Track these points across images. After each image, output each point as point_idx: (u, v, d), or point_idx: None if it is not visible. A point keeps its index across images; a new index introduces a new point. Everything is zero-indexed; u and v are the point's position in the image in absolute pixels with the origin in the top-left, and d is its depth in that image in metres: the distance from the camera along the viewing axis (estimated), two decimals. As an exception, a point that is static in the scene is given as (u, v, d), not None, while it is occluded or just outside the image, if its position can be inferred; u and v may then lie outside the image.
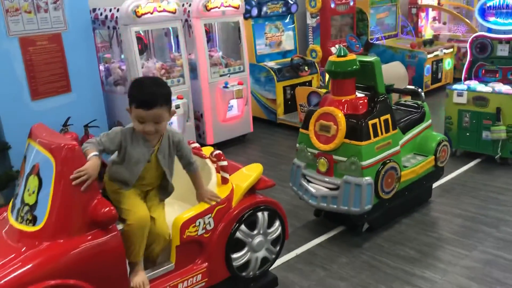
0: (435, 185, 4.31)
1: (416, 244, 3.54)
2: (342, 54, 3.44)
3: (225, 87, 5.75)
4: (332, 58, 3.50)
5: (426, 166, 3.86)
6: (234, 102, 5.95)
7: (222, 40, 6.44)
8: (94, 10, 5.13)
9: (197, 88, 5.69)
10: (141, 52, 5.22)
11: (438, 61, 7.94)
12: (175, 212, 2.65)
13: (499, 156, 4.75)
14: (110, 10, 4.98)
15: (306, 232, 3.82)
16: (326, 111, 3.48)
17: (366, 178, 3.32)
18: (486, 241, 3.53)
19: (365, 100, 3.46)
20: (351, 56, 3.47)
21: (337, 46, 7.24)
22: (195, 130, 5.73)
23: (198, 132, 5.84)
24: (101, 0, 5.22)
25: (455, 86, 5.03)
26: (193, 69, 5.66)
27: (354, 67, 3.40)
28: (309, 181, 3.65)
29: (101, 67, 5.33)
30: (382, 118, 3.43)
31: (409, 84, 6.75)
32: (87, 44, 4.84)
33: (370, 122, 3.35)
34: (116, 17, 4.89)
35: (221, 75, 5.79)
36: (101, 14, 5.07)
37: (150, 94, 2.26)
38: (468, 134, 4.94)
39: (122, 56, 5.21)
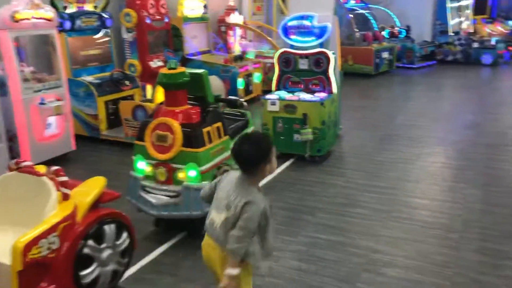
0: (260, 184, 4.77)
1: (252, 238, 3.90)
2: (172, 67, 3.61)
3: (42, 103, 5.36)
4: (163, 70, 3.64)
5: (253, 167, 4.28)
6: (52, 120, 5.57)
7: (34, 54, 5.98)
8: None
9: (7, 106, 5.17)
10: None
11: (249, 75, 8.72)
12: (10, 237, 2.45)
13: (309, 154, 5.51)
14: None
15: (149, 244, 3.85)
16: (162, 122, 3.60)
17: (205, 182, 3.54)
18: (306, 227, 4.09)
19: (198, 110, 3.69)
20: (181, 69, 3.66)
21: (155, 60, 7.44)
22: (9, 152, 5.19)
23: (12, 154, 5.30)
24: None
25: (268, 96, 5.66)
26: (2, 85, 5.14)
27: (185, 78, 3.60)
28: (148, 192, 3.71)
29: None
30: (215, 125, 3.71)
31: (225, 96, 7.28)
32: None
33: (205, 130, 3.59)
34: None
35: (35, 91, 5.37)
36: None
37: None
38: (282, 137, 5.59)
39: None
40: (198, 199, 3.49)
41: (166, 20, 7.73)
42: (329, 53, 5.59)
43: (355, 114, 7.93)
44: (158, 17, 7.53)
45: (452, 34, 13.48)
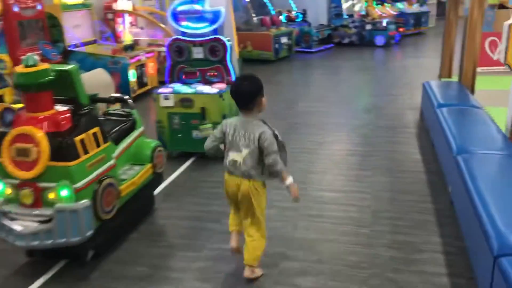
0: (157, 191, 4.24)
1: (147, 259, 3.37)
2: (30, 64, 2.93)
3: None
4: (19, 69, 2.94)
5: (145, 175, 3.73)
6: None
7: None
8: None
9: None
10: None
11: (142, 66, 8.01)
12: None
13: (209, 152, 5.06)
14: None
15: (21, 279, 3.19)
16: (22, 132, 2.92)
17: (82, 201, 2.94)
18: (212, 237, 3.65)
19: (68, 114, 3.05)
20: (43, 66, 2.99)
21: (29, 54, 6.47)
22: None
23: None
24: None
25: (160, 90, 5.09)
26: None
27: (48, 77, 2.95)
28: (12, 219, 3.02)
29: None
30: (91, 132, 3.09)
31: (116, 91, 6.55)
32: None
33: (77, 139, 2.97)
34: None
35: None
36: None
37: None
38: (180, 135, 5.07)
39: None
40: (76, 222, 2.91)
41: (39, 7, 6.77)
42: (225, 40, 5.15)
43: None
44: (29, 4, 6.56)
45: (347, 17, 13.73)
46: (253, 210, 2.92)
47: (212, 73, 5.26)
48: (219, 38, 5.13)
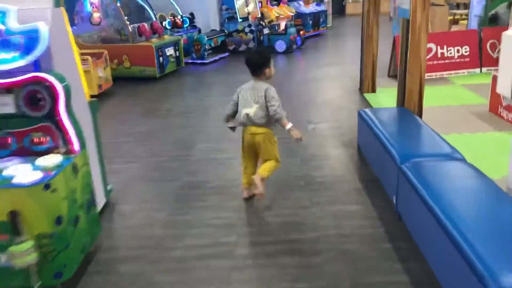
0: None
1: None
2: None
3: None
4: None
5: None
6: None
7: None
8: None
9: None
10: None
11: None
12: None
13: (39, 286, 2.79)
14: None
15: None
16: None
17: None
18: None
19: None
20: None
21: None
22: None
23: None
24: None
25: None
26: None
27: None
28: None
29: None
30: None
31: None
32: None
33: None
34: None
35: None
36: None
37: None
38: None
39: None
40: None
41: None
42: (55, 80, 2.94)
43: (136, 149, 5.42)
44: None
45: (241, 20, 11.92)
46: (269, 153, 3.75)
47: (37, 138, 3.02)
48: (42, 78, 2.91)
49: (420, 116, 4.95)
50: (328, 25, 16.14)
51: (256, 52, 3.79)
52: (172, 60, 9.69)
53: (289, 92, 7.66)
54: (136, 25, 9.25)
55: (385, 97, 6.92)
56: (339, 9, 22.34)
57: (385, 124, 4.31)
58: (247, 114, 3.66)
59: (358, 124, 4.95)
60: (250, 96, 3.68)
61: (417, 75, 4.87)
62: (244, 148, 3.86)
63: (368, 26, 6.98)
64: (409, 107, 4.96)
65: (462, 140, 5.02)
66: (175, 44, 9.84)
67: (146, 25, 9.38)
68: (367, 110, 4.90)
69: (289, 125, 3.62)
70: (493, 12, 9.23)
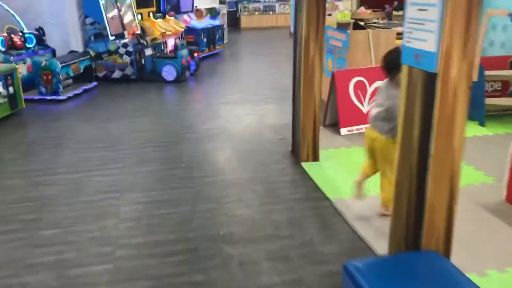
0: None
1: None
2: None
3: None
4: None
5: None
6: None
7: None
8: None
9: None
10: None
11: None
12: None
13: None
14: None
15: None
16: None
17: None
18: None
19: None
20: None
21: None
22: None
23: None
24: None
25: None
26: None
27: None
28: None
29: None
30: None
31: None
32: None
33: None
34: None
35: None
36: None
37: None
38: None
39: None
40: None
41: None
42: None
43: None
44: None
45: (113, 38, 8.85)
46: (386, 161, 3.38)
47: None
48: None
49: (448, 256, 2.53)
50: (225, 41, 13.64)
51: (391, 53, 3.33)
52: (3, 102, 6.38)
53: (182, 165, 4.84)
54: None
55: (337, 171, 4.48)
56: (233, 22, 20.04)
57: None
58: (372, 115, 3.53)
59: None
60: (380, 96, 3.52)
61: (447, 174, 2.43)
62: (365, 148, 3.63)
63: (307, 62, 4.47)
64: (430, 242, 2.50)
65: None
66: (7, 76, 6.52)
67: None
68: (358, 263, 2.33)
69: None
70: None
